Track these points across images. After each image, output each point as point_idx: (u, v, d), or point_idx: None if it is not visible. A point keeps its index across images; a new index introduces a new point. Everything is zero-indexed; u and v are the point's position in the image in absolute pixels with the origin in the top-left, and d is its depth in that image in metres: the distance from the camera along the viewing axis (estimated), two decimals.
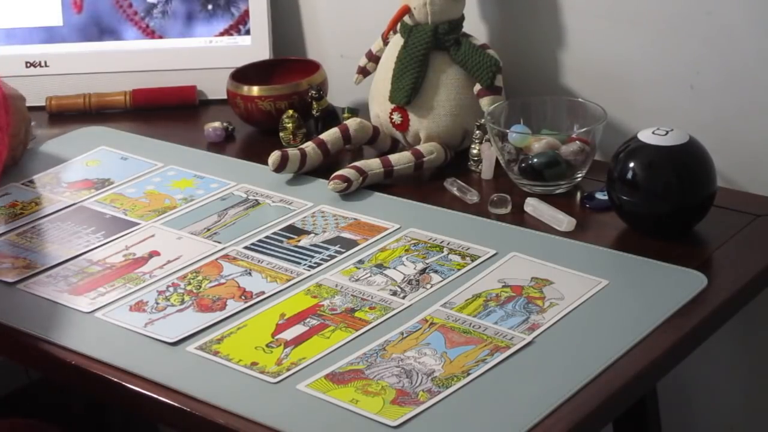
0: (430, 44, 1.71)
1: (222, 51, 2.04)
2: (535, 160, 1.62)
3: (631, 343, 1.31)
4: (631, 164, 1.49)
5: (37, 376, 2.23)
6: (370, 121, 1.79)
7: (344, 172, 1.67)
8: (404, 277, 1.46)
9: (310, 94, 1.84)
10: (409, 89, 1.72)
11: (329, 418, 1.23)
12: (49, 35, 2.06)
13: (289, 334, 1.37)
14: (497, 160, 1.67)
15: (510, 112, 1.70)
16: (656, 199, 1.49)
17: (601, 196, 1.58)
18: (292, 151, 1.72)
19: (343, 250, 1.53)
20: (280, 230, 1.60)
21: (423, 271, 1.47)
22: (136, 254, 1.56)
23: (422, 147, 1.72)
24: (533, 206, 1.59)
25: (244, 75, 1.92)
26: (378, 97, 1.77)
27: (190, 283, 1.48)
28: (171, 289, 1.48)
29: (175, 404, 1.28)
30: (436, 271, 1.47)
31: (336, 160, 1.76)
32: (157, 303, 1.45)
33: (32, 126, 1.87)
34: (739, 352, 1.76)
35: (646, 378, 1.30)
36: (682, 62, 1.68)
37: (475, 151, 1.72)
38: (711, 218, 1.51)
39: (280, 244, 1.56)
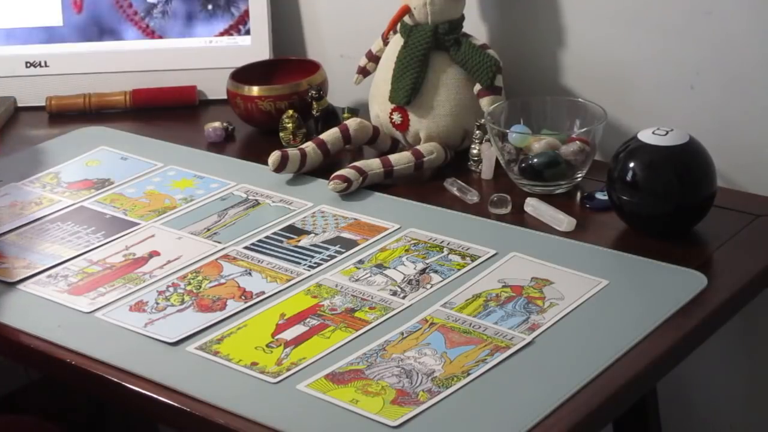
0: (430, 44, 1.71)
1: (222, 51, 2.03)
2: (535, 160, 1.62)
3: (631, 343, 1.31)
4: (631, 164, 1.49)
5: (37, 376, 2.23)
6: (370, 121, 1.79)
7: (344, 172, 1.67)
8: (404, 277, 1.46)
9: (310, 94, 1.84)
10: (409, 89, 1.72)
11: (329, 418, 1.23)
12: (49, 35, 2.06)
13: (289, 334, 1.37)
14: (497, 160, 1.67)
15: (510, 112, 1.70)
16: (656, 199, 1.48)
17: (601, 196, 1.58)
18: (292, 151, 1.72)
19: (343, 250, 1.53)
20: (280, 230, 1.60)
21: (423, 271, 1.47)
22: (136, 254, 1.56)
23: (422, 147, 1.72)
24: (533, 206, 1.59)
25: (244, 75, 1.92)
26: (378, 97, 1.77)
27: (190, 283, 1.48)
28: (171, 289, 1.48)
29: (175, 404, 1.28)
30: (436, 271, 1.47)
31: (336, 160, 1.76)
32: (157, 303, 1.45)
33: None
34: (739, 352, 1.76)
35: (646, 378, 1.30)
36: (682, 63, 1.68)
37: (475, 151, 1.72)
38: (711, 218, 1.51)
39: (280, 244, 1.56)
